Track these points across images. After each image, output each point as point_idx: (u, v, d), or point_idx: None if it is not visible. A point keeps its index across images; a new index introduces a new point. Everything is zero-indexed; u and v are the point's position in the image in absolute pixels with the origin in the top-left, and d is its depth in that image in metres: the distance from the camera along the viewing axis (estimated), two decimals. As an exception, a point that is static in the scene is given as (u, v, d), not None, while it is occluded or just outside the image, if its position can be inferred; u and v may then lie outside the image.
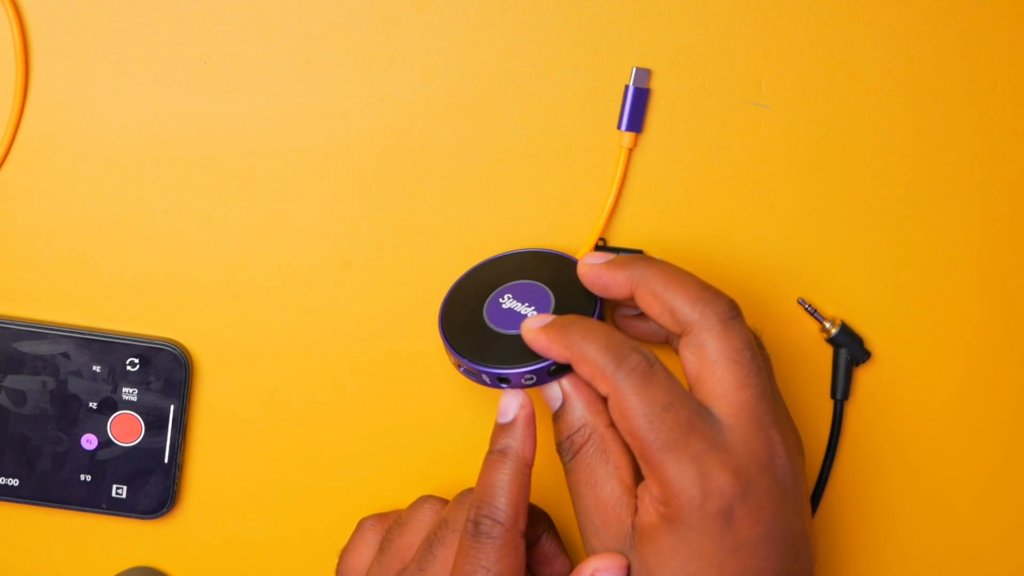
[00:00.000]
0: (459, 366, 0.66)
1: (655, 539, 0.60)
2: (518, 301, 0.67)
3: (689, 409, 0.60)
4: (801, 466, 0.63)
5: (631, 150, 0.71)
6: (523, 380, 0.64)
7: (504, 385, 0.65)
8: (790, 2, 0.71)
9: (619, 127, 0.71)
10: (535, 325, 0.64)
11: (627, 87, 0.71)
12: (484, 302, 0.67)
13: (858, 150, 0.72)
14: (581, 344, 0.62)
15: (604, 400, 0.62)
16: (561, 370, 0.64)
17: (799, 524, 0.61)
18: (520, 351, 0.64)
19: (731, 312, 0.62)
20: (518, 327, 0.65)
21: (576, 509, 0.63)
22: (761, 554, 0.60)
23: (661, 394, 0.60)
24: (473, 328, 0.66)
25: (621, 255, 0.66)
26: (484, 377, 0.65)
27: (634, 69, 0.71)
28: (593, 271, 0.65)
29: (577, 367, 0.62)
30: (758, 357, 0.62)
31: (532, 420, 0.63)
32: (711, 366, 0.61)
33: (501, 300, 0.67)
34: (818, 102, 0.72)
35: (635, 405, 0.60)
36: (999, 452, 0.73)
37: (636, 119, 0.71)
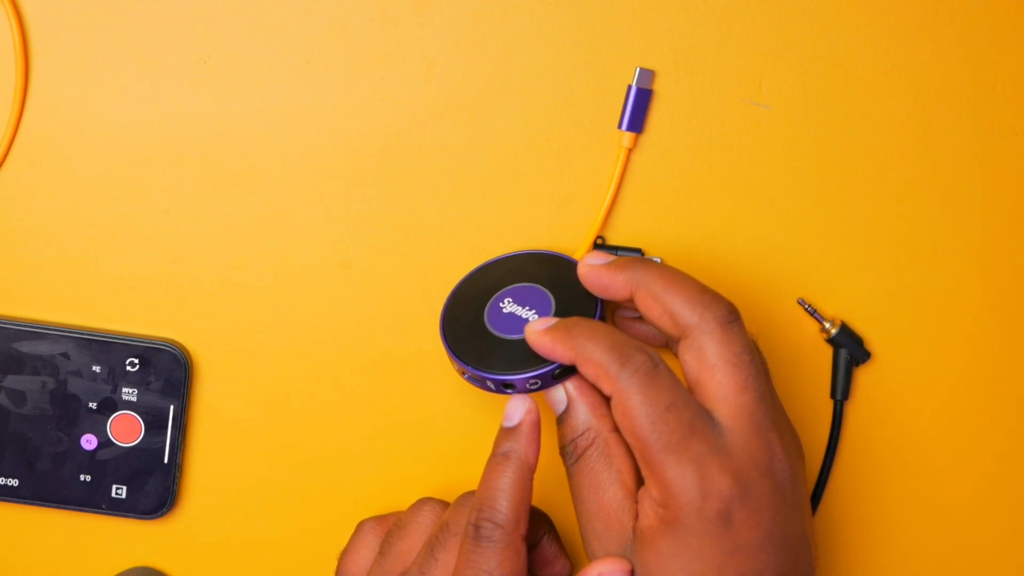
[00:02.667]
0: (463, 373, 0.66)
1: (655, 542, 0.60)
2: (518, 305, 0.67)
3: (691, 411, 0.60)
4: (800, 469, 0.63)
5: (631, 150, 0.71)
6: (527, 385, 0.64)
7: (509, 391, 0.65)
8: (790, 2, 0.71)
9: (620, 127, 0.71)
10: (539, 328, 0.64)
11: (630, 87, 0.71)
12: (484, 307, 0.67)
13: (858, 150, 0.72)
14: (585, 345, 0.62)
15: (608, 402, 0.62)
16: (564, 374, 0.64)
17: (799, 527, 0.61)
18: (523, 356, 0.64)
19: (730, 316, 0.62)
20: (520, 332, 0.65)
21: (578, 513, 0.63)
22: (761, 557, 0.60)
23: (664, 395, 0.60)
24: (475, 334, 0.66)
25: (621, 256, 0.66)
26: (489, 383, 0.65)
27: (637, 70, 0.71)
28: (592, 272, 0.65)
29: (581, 368, 0.62)
30: (757, 360, 0.62)
31: (537, 425, 0.63)
32: (710, 369, 0.61)
33: (501, 304, 0.67)
34: (818, 102, 0.72)
35: (638, 405, 0.60)
36: (998, 452, 0.73)
37: (637, 119, 0.71)
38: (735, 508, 0.59)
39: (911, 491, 0.73)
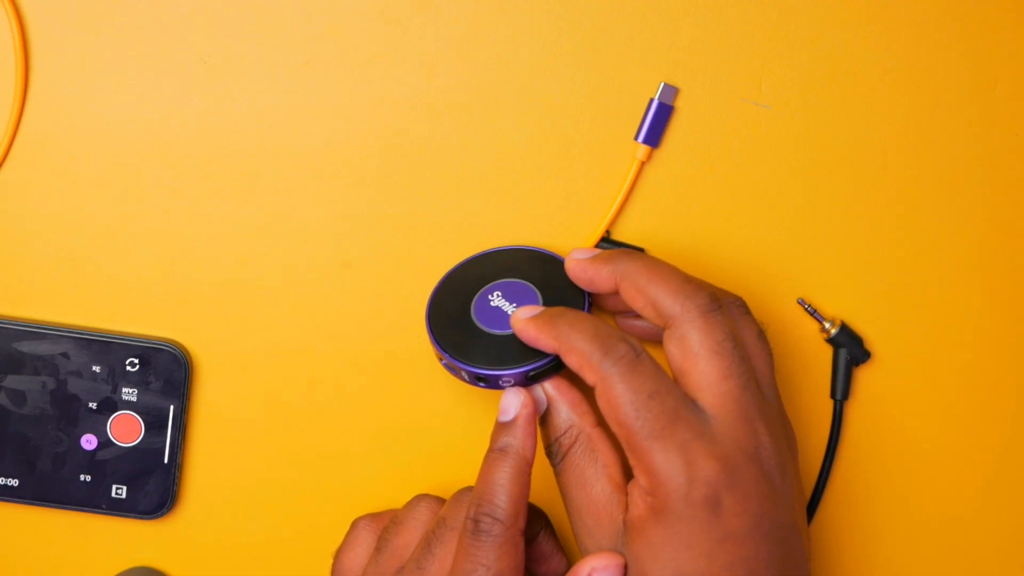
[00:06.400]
0: (441, 359, 0.67)
1: (645, 532, 0.60)
2: (506, 300, 0.67)
3: (675, 398, 0.60)
4: (791, 460, 0.63)
5: (644, 163, 0.71)
6: (500, 382, 0.64)
7: (481, 384, 0.65)
8: (790, 2, 0.71)
9: (636, 139, 0.71)
10: (524, 316, 0.65)
11: (651, 101, 0.71)
12: (473, 297, 0.67)
13: (858, 150, 0.72)
14: (569, 334, 0.62)
15: (589, 399, 0.63)
16: (540, 376, 0.64)
17: (788, 517, 0.61)
18: (501, 352, 0.65)
19: (712, 304, 0.62)
20: (504, 327, 0.66)
21: (568, 510, 0.63)
22: (750, 544, 0.60)
23: (648, 382, 0.60)
24: (459, 323, 0.67)
25: (606, 249, 0.66)
26: (463, 374, 0.65)
27: (662, 85, 0.70)
28: (579, 266, 0.66)
29: (565, 357, 0.62)
30: (741, 348, 0.62)
31: (533, 419, 0.63)
32: (693, 358, 0.61)
33: (490, 297, 0.67)
34: (818, 102, 0.72)
35: (622, 393, 0.60)
36: (999, 452, 0.73)
37: (655, 134, 0.71)
38: (723, 493, 0.59)
39: (911, 491, 0.73)
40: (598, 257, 0.66)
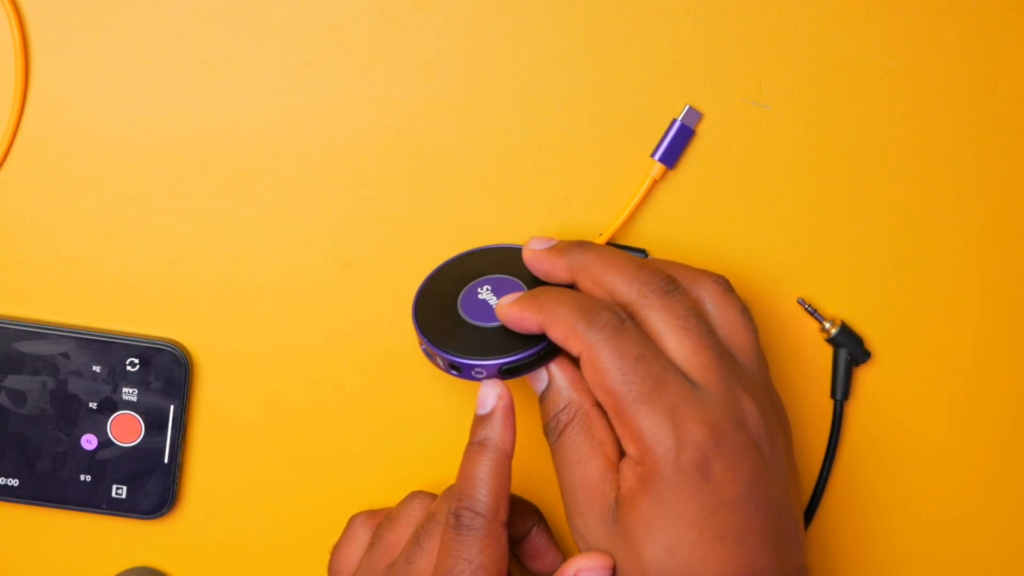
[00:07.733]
0: (420, 344, 0.67)
1: (635, 506, 0.60)
2: (494, 294, 0.67)
3: (661, 363, 0.60)
4: (780, 434, 0.62)
5: (657, 180, 0.71)
6: (474, 372, 0.64)
7: (455, 373, 0.65)
8: (790, 2, 0.71)
9: (653, 156, 0.71)
10: (507, 301, 0.64)
11: (674, 121, 0.71)
12: (462, 289, 0.68)
13: (858, 150, 0.72)
14: (552, 307, 0.62)
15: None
16: (514, 371, 0.64)
17: (780, 491, 0.61)
18: (480, 344, 0.65)
19: (668, 286, 0.62)
20: (487, 319, 0.66)
21: (562, 488, 0.63)
22: (741, 513, 0.59)
23: (633, 348, 0.60)
24: (444, 312, 0.67)
25: (562, 241, 0.66)
26: (439, 360, 0.65)
27: (686, 107, 0.71)
28: (535, 256, 0.66)
29: (550, 330, 0.62)
30: (705, 323, 0.62)
31: (511, 411, 0.63)
32: (660, 339, 0.61)
33: (479, 290, 0.67)
34: (818, 102, 0.72)
35: (607, 359, 0.60)
36: (999, 452, 0.73)
37: (672, 154, 0.71)
38: (712, 459, 0.59)
39: (911, 491, 0.73)
40: (553, 249, 0.66)
